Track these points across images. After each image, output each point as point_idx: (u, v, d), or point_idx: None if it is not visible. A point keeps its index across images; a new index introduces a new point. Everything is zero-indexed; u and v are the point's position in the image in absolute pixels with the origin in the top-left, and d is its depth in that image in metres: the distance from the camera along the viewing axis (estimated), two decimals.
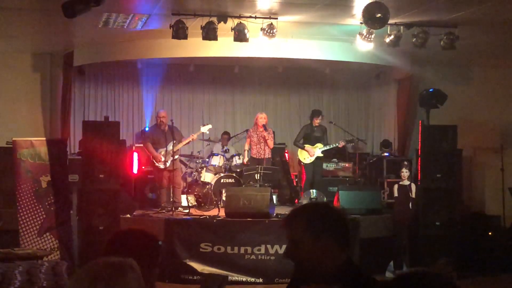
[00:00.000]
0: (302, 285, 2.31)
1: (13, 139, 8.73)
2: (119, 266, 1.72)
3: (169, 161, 9.38)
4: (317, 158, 10.06)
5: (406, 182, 9.17)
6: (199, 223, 8.44)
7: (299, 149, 10.20)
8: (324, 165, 10.58)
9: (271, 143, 10.04)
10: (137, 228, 2.48)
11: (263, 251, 8.22)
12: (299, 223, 2.26)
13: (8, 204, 9.00)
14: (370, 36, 8.04)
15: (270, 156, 10.13)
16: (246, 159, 10.16)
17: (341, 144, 10.18)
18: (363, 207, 8.99)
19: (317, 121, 10.16)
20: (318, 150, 10.01)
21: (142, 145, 10.25)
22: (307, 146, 10.05)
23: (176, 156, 9.57)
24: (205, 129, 9.95)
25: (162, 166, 9.47)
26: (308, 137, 10.14)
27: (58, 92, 10.25)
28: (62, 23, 7.58)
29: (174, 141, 9.43)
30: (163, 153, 9.47)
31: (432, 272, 1.73)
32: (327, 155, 10.86)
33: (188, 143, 9.97)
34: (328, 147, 10.09)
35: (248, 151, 10.20)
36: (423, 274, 1.71)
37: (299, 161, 11.47)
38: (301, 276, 2.32)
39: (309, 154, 10.01)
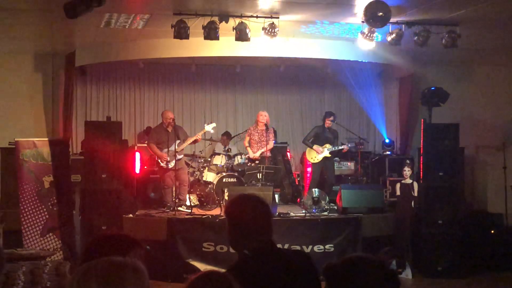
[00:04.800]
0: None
1: (16, 139, 8.74)
2: (120, 266, 1.72)
3: (173, 161, 9.30)
4: (328, 158, 9.94)
5: (409, 181, 9.18)
6: (202, 222, 8.44)
7: (308, 149, 10.09)
8: None
9: (271, 144, 10.03)
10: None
11: None
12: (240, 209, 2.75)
13: (11, 204, 9.01)
14: (371, 35, 8.03)
15: (270, 155, 10.12)
16: (251, 154, 10.08)
17: (345, 149, 10.07)
18: (365, 206, 8.99)
19: (328, 122, 10.02)
20: (326, 150, 9.88)
21: (145, 144, 10.20)
22: (315, 146, 9.94)
23: (181, 156, 9.56)
24: (209, 127, 9.85)
25: (166, 166, 9.44)
26: (318, 138, 10.01)
27: (60, 92, 10.25)
28: (64, 23, 7.58)
29: (179, 141, 9.40)
30: (165, 151, 9.43)
31: (369, 256, 1.82)
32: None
33: (193, 142, 9.87)
34: (335, 148, 9.95)
35: (249, 147, 10.17)
36: (359, 258, 1.82)
37: (301, 160, 11.47)
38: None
39: (316, 153, 9.96)
